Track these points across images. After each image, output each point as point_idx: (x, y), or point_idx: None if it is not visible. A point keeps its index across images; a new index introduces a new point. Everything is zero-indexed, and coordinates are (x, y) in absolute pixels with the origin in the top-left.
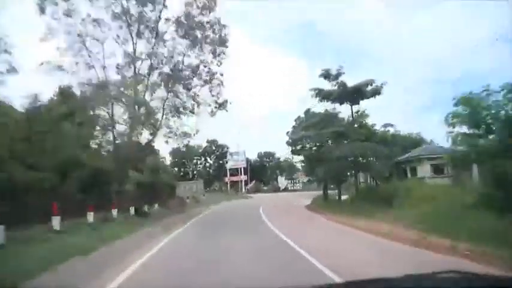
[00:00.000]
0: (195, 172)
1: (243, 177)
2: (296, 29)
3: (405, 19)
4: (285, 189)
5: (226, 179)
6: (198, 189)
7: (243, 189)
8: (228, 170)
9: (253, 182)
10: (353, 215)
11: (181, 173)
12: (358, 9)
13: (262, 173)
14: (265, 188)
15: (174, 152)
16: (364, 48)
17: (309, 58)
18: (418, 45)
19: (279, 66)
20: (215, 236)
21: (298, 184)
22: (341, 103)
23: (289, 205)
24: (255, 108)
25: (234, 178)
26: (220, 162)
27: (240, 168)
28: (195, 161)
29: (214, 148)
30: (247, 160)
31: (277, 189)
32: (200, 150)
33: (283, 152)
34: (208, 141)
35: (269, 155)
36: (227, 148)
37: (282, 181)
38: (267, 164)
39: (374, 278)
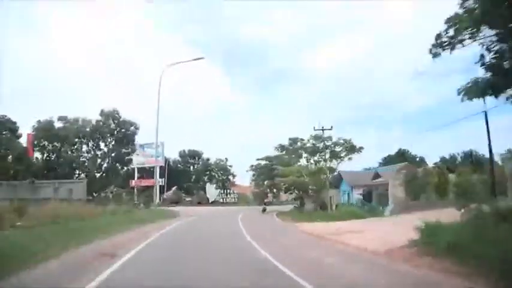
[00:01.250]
0: (74, 165)
1: (159, 182)
2: None
3: None
4: (214, 202)
5: (133, 183)
6: (75, 195)
7: (157, 199)
8: (135, 170)
9: (173, 189)
10: None
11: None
12: None
13: (185, 177)
14: (188, 199)
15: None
16: None
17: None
18: None
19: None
20: None
21: (231, 196)
22: None
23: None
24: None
25: (145, 182)
26: (124, 151)
27: (155, 169)
28: (78, 145)
29: (114, 124)
30: (166, 160)
31: (203, 201)
32: (88, 129)
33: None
34: (103, 113)
35: (195, 154)
36: (135, 128)
37: (212, 190)
38: (192, 167)
39: None
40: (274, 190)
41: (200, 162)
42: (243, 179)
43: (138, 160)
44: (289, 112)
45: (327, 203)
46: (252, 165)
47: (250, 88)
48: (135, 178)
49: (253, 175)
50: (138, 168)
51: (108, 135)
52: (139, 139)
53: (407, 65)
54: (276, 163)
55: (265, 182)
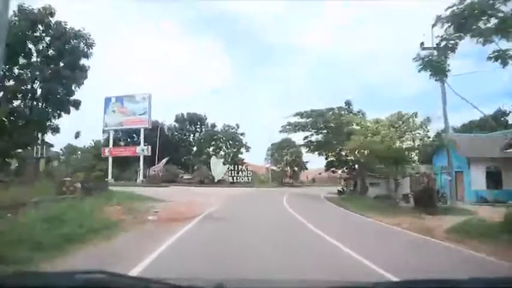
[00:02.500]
0: None
1: (144, 151)
2: None
3: None
4: (220, 182)
5: (106, 151)
6: None
7: (141, 175)
8: (110, 134)
9: (164, 161)
10: None
11: None
12: None
13: (183, 149)
14: (185, 176)
15: None
16: None
17: None
18: None
19: None
20: None
21: (243, 174)
22: None
23: None
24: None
25: (123, 151)
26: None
27: (138, 133)
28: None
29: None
30: (156, 124)
31: (206, 180)
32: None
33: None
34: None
35: (196, 119)
36: (87, 46)
37: (218, 167)
38: (193, 136)
39: (435, 279)
40: (295, 168)
41: (203, 130)
42: (253, 156)
43: (114, 119)
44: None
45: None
46: (286, 126)
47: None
48: (110, 145)
49: (270, 151)
50: (112, 130)
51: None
52: (116, 90)
53: None
54: (324, 121)
55: (286, 157)
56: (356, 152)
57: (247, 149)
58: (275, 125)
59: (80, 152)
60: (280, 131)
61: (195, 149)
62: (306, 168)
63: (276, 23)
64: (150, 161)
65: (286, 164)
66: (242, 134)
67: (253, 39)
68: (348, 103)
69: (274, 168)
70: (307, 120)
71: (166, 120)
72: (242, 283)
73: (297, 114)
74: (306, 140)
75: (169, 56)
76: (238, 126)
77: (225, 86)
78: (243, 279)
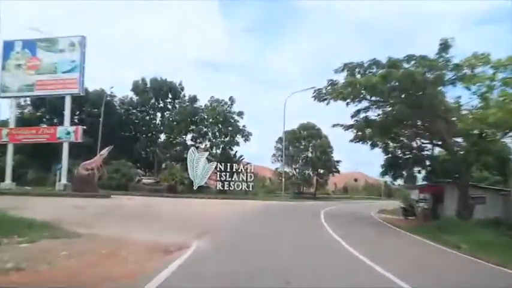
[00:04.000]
0: None
1: (67, 134)
2: None
3: None
4: (203, 189)
5: (3, 134)
6: None
7: (63, 177)
8: (12, 104)
9: (104, 152)
10: None
11: None
12: None
13: (144, 135)
14: (146, 179)
15: None
16: None
17: None
18: None
19: None
20: None
21: (243, 178)
22: None
23: None
24: None
25: (34, 134)
26: None
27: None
28: None
29: None
30: (100, 94)
31: (181, 187)
32: None
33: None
34: None
35: (167, 89)
36: None
37: (199, 166)
38: (161, 115)
39: None
40: (321, 171)
41: (177, 107)
42: (255, 154)
43: (18, 79)
44: None
45: None
46: (326, 88)
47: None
48: (11, 124)
49: (280, 143)
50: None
51: None
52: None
53: None
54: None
55: (306, 153)
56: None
57: (247, 137)
58: (290, 106)
59: None
60: (314, 97)
61: (163, 136)
62: (337, 171)
63: None
64: (87, 153)
65: (306, 164)
66: (240, 114)
67: None
68: (445, 44)
69: (288, 170)
70: (365, 80)
71: (118, 90)
72: None
73: (347, 69)
74: (356, 119)
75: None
76: (232, 101)
77: (221, 58)
78: None
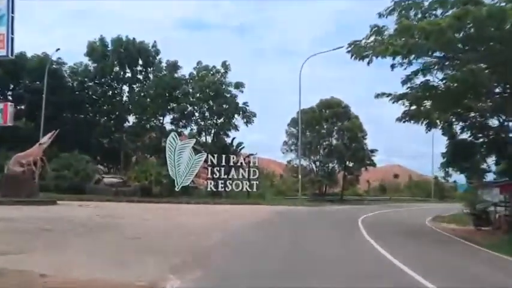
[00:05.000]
0: None
1: None
2: None
3: None
4: (189, 191)
5: None
6: None
7: None
8: None
9: (46, 140)
10: None
11: None
12: None
13: (105, 118)
14: (109, 178)
15: None
16: None
17: None
18: None
19: None
20: None
21: (245, 174)
22: None
23: None
24: None
25: None
26: None
27: None
28: None
29: None
30: (43, 59)
31: (157, 188)
32: None
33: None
34: None
35: (135, 52)
36: None
37: (183, 160)
38: (129, 88)
39: None
40: (350, 164)
41: (150, 77)
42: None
43: None
44: None
45: None
46: (368, 37)
47: None
48: None
49: (293, 127)
50: None
51: None
52: None
53: None
54: None
55: (329, 139)
56: None
57: (248, 118)
58: (305, 79)
59: None
60: (350, 52)
61: (132, 119)
62: (372, 164)
63: None
64: (24, 142)
65: (329, 155)
66: (238, 86)
67: None
68: None
69: (305, 163)
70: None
71: (69, 56)
72: None
73: (399, 8)
74: (410, 87)
75: None
76: (227, 69)
77: (210, 15)
78: None
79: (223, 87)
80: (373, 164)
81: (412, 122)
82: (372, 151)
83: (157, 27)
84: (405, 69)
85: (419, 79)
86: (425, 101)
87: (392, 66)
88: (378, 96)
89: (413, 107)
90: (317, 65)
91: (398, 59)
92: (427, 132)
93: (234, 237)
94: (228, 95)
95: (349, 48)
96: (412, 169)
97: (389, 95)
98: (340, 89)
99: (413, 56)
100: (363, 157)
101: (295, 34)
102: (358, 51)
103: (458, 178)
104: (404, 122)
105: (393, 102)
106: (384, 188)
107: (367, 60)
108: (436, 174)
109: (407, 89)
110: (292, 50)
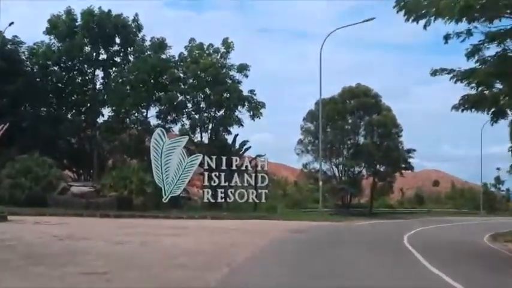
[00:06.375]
0: None
1: None
2: None
3: None
4: (178, 203)
5: None
6: None
7: None
8: None
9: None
10: None
11: None
12: None
13: (74, 110)
14: (78, 186)
15: None
16: None
17: None
18: None
19: None
20: None
21: (254, 187)
22: None
23: None
24: None
25: None
26: None
27: None
28: None
29: None
30: None
31: (139, 199)
32: None
33: None
34: None
35: (111, 28)
36: None
37: (172, 164)
38: (104, 73)
39: None
40: (382, 168)
41: (130, 58)
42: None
43: None
44: None
45: None
46: None
47: None
48: None
49: (309, 123)
50: None
51: None
52: None
53: None
54: None
55: (356, 138)
56: None
57: (256, 110)
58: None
59: None
60: (398, 6)
61: (107, 112)
62: (409, 167)
63: None
64: None
65: (356, 156)
66: (242, 70)
67: None
68: None
69: (325, 167)
70: None
71: (27, 34)
72: None
73: None
74: (478, 60)
75: None
76: (229, 48)
77: None
78: None
79: (224, 71)
80: (411, 168)
81: (473, 110)
82: (409, 151)
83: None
84: (463, 41)
85: (492, 50)
86: (498, 81)
87: (447, 38)
88: (435, 73)
89: (478, 90)
90: (335, 50)
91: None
92: (492, 124)
93: (242, 276)
94: (230, 81)
95: (402, 3)
96: (453, 175)
97: (451, 71)
98: (364, 77)
99: (483, 18)
100: (398, 159)
101: (305, 15)
102: (416, 4)
103: None
104: (463, 110)
105: (455, 82)
106: (422, 198)
107: (423, 22)
108: (485, 182)
109: (476, 63)
110: (301, 32)
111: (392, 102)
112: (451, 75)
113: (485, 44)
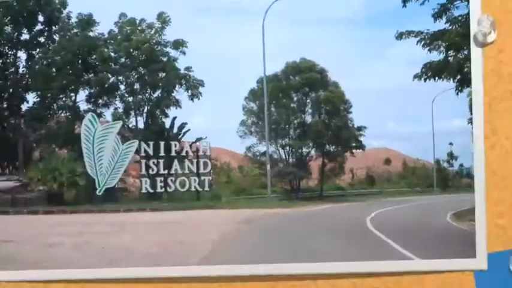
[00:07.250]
0: None
1: None
2: None
3: None
4: (116, 194)
5: None
6: None
7: None
8: None
9: None
10: None
11: None
12: None
13: None
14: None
15: None
16: None
17: None
18: None
19: None
20: None
21: (195, 173)
22: None
23: None
24: None
25: None
26: None
27: None
28: None
29: None
30: None
31: (71, 192)
32: None
33: None
34: None
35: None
36: None
37: (107, 151)
38: (27, 54)
39: None
40: (333, 148)
41: (55, 37)
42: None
43: None
44: None
45: None
46: None
47: None
48: None
49: (252, 102)
50: None
51: None
52: None
53: None
54: None
55: (303, 116)
56: None
57: (194, 89)
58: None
59: None
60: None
61: (32, 97)
62: (360, 146)
63: None
64: None
65: (302, 136)
66: (178, 46)
67: None
68: None
69: (271, 149)
70: None
71: None
72: None
73: None
74: (448, 20)
75: None
76: (164, 23)
77: None
78: None
79: (159, 48)
80: (362, 147)
81: (436, 79)
82: (360, 129)
83: None
84: (422, 3)
85: (461, 10)
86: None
87: (405, 1)
88: (401, 36)
89: (441, 57)
90: (278, 26)
91: None
92: (457, 93)
93: None
94: (165, 59)
95: None
96: (404, 153)
97: (418, 33)
98: (309, 54)
99: None
100: (348, 138)
101: None
102: None
103: (465, 162)
104: (425, 79)
105: (423, 46)
106: (373, 179)
107: None
108: (438, 158)
109: (446, 23)
110: (238, 8)
111: (340, 79)
112: (419, 38)
113: (455, 3)
